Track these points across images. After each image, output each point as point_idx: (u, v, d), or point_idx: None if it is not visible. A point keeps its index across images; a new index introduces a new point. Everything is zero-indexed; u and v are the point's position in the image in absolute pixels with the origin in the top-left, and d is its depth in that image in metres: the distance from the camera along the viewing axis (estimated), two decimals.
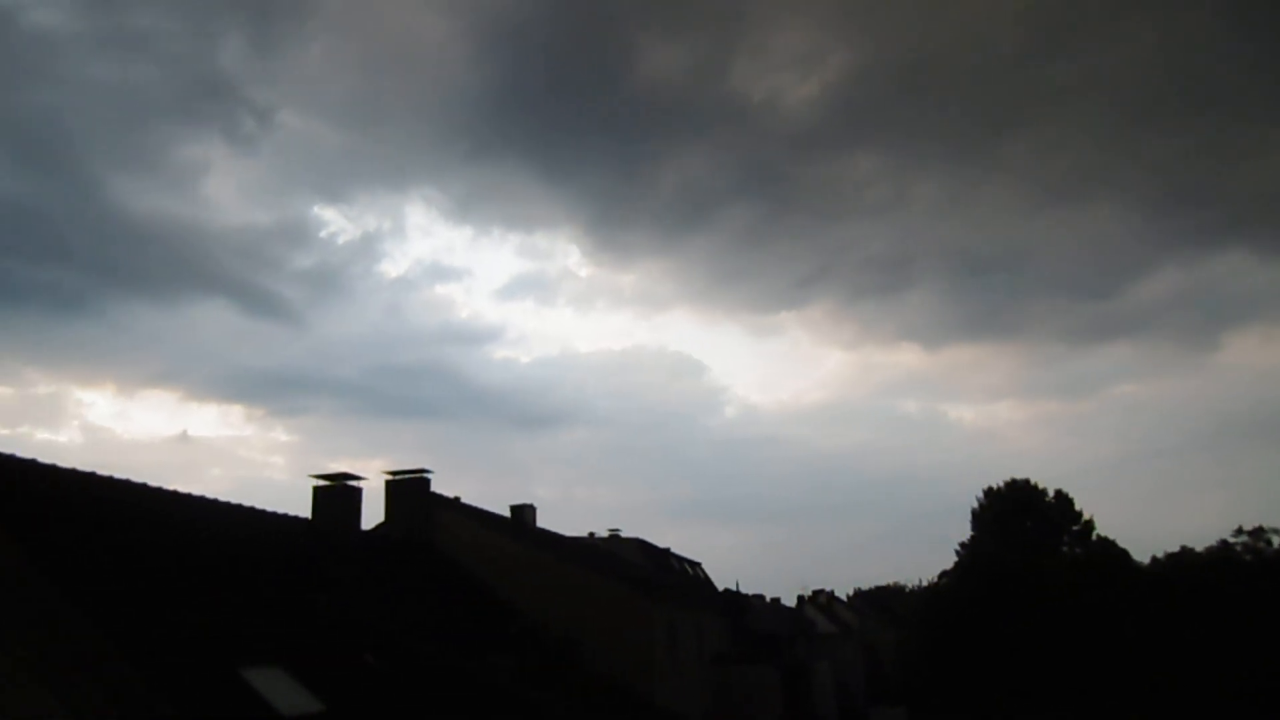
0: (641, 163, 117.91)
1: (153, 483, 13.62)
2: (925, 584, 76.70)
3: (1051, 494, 57.98)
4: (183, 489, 14.39)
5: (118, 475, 12.94)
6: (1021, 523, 57.03)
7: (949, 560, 66.97)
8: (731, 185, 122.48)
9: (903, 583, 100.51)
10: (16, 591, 4.78)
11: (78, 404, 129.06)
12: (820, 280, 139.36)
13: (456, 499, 23.42)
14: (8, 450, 10.96)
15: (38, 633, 4.88)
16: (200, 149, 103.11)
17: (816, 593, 69.61)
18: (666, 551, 42.12)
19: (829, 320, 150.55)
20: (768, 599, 60.38)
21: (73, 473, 11.94)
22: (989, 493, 59.63)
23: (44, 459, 11.49)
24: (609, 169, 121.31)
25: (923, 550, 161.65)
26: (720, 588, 46.73)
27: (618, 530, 39.49)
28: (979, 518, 59.61)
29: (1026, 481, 58.70)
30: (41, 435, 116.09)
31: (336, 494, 19.53)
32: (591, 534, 38.94)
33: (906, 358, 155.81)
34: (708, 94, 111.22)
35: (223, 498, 15.40)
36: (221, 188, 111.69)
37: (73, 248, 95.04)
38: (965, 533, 60.33)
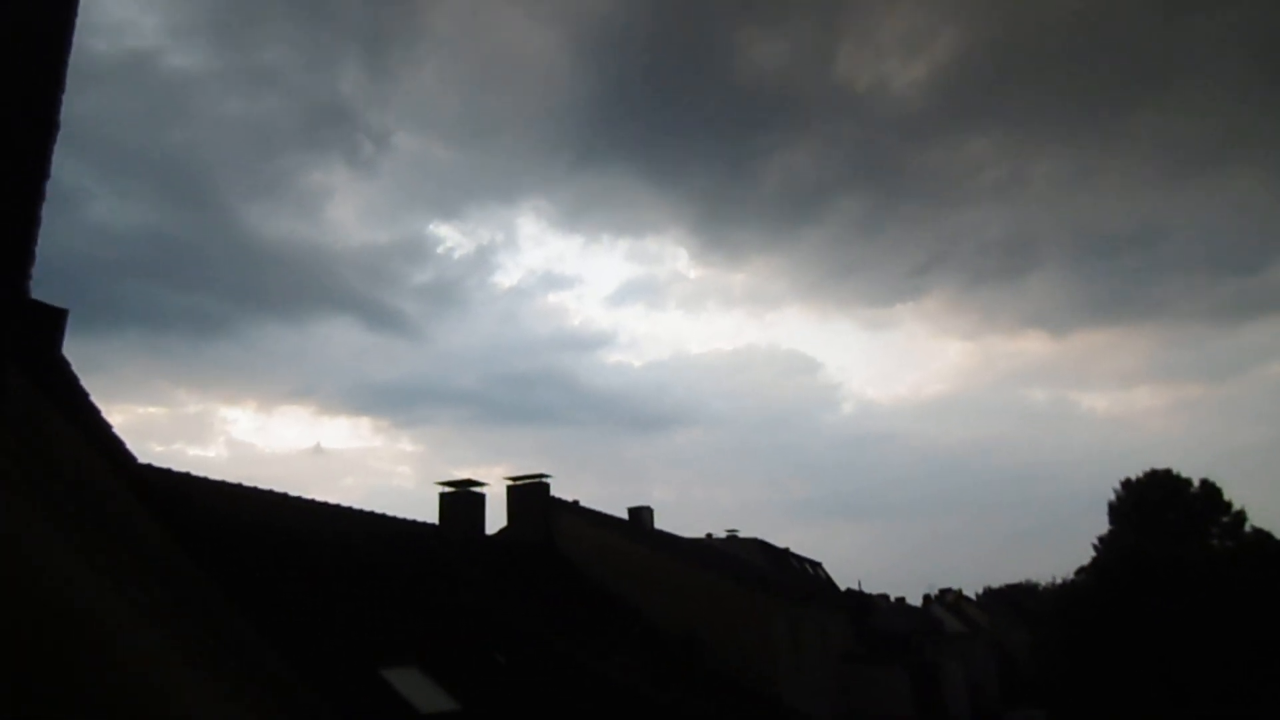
0: (747, 160, 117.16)
1: (292, 493, 14.44)
2: (1060, 581, 73.22)
3: (1196, 484, 54.40)
4: (319, 498, 15.19)
5: (261, 486, 13.79)
6: (1164, 515, 53.70)
7: (1084, 557, 63.66)
8: (840, 176, 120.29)
9: (1035, 580, 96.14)
10: (186, 599, 5.17)
11: (223, 421, 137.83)
12: (936, 269, 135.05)
13: (575, 502, 23.83)
14: (163, 465, 11.84)
15: (205, 637, 5.26)
16: (323, 174, 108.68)
17: (943, 591, 67.47)
18: (785, 551, 41.67)
19: (947, 310, 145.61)
20: (892, 599, 58.94)
21: (222, 484, 12.77)
22: (1127, 484, 56.45)
23: (195, 473, 12.37)
24: (715, 168, 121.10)
25: (1055, 546, 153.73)
26: (842, 588, 45.90)
27: (735, 531, 39.33)
28: (1117, 511, 56.47)
29: (1168, 471, 55.25)
30: (193, 451, 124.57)
31: (461, 500, 20.19)
32: (709, 535, 38.91)
33: (1031, 345, 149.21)
34: (812, 85, 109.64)
35: (356, 506, 16.17)
36: (344, 210, 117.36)
37: (212, 274, 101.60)
38: (1102, 527, 57.27)
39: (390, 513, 17.15)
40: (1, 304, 1.36)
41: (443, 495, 20.30)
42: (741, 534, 39.13)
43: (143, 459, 7.66)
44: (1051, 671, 52.84)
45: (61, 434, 4.82)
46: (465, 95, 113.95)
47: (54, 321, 6.77)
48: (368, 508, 16.55)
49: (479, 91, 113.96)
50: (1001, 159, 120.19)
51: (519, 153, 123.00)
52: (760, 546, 38.56)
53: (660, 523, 29.12)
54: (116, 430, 5.56)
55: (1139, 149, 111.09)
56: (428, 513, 20.08)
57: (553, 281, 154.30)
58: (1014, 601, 79.96)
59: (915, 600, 61.91)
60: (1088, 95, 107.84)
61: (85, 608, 4.85)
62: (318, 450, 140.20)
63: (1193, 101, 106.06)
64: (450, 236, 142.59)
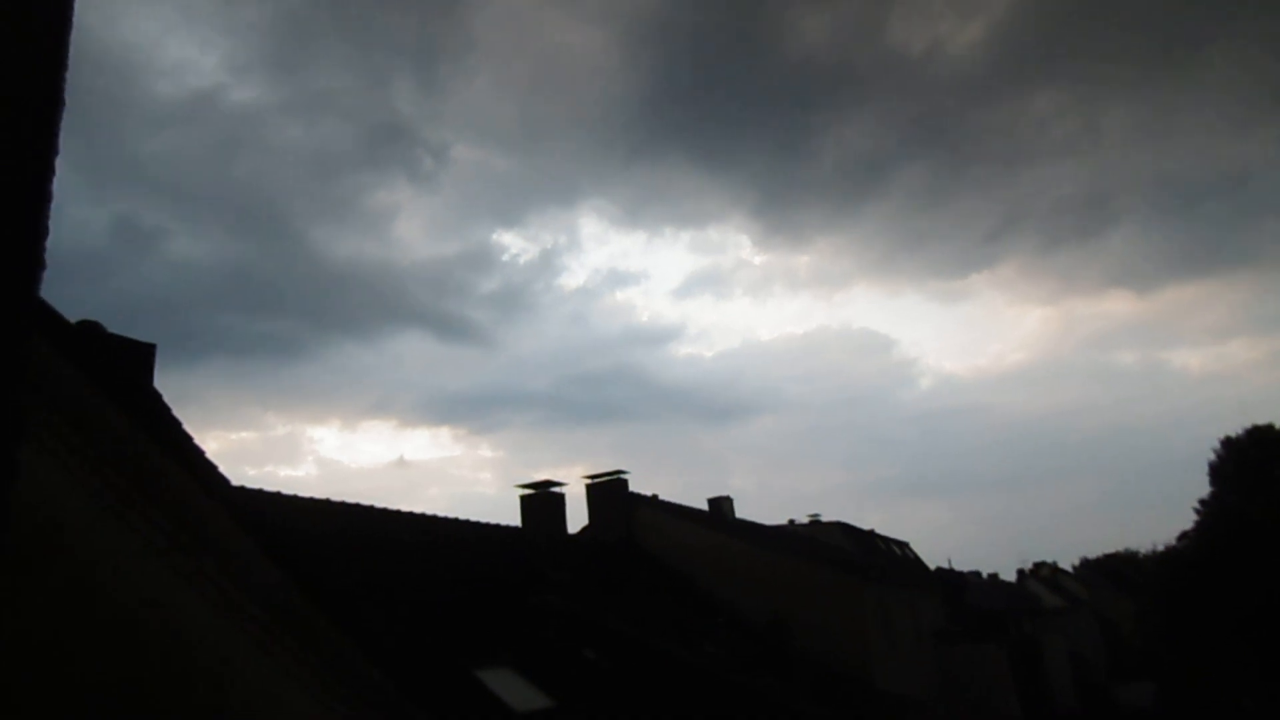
0: (803, 138, 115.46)
1: (378, 505, 14.87)
2: (1162, 548, 70.61)
3: None
4: (405, 509, 15.62)
5: (349, 500, 14.25)
6: (1270, 472, 51.28)
7: (1186, 521, 61.24)
8: (900, 146, 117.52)
9: (1134, 548, 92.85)
10: (284, 614, 5.39)
11: (310, 440, 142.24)
12: (1009, 234, 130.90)
13: (654, 496, 23.94)
14: (256, 486, 12.34)
15: (304, 651, 5.48)
16: (387, 192, 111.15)
17: (1038, 565, 65.65)
18: (871, 533, 41.10)
19: (1023, 276, 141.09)
20: (984, 575, 57.63)
21: (312, 501, 13.23)
22: (1227, 443, 54.00)
23: (287, 491, 12.86)
24: (770, 150, 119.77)
25: (1154, 513, 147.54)
26: (931, 567, 45.07)
27: (818, 515, 38.93)
28: (1218, 471, 54.06)
29: (1270, 426, 52.72)
30: (284, 472, 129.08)
31: (541, 501, 20.49)
32: (791, 521, 38.63)
33: (1116, 306, 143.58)
34: (864, 55, 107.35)
35: (441, 514, 16.56)
36: (409, 225, 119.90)
37: (288, 299, 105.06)
38: (1203, 489, 54.98)
39: (474, 518, 17.53)
40: (12, 310, 1.41)
41: (523, 498, 20.63)
42: (824, 518, 38.75)
43: (237, 482, 7.99)
44: (1158, 643, 51.02)
45: (162, 466, 5.08)
46: (518, 102, 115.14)
47: (144, 356, 7.12)
48: (453, 515, 16.94)
49: (531, 96, 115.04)
50: (1070, 112, 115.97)
51: (575, 154, 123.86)
52: (844, 530, 38.11)
53: (740, 512, 29.08)
54: (210, 456, 5.82)
55: (1216, 89, 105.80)
56: (510, 516, 20.45)
57: (618, 279, 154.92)
58: (1114, 571, 77.31)
59: (1009, 576, 60.48)
60: (1158, 35, 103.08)
61: (192, 633, 5.09)
62: (401, 462, 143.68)
63: (1272, 33, 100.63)
64: (514, 243, 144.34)
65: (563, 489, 20.92)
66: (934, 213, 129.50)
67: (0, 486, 1.34)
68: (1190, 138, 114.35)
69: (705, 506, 27.64)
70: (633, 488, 22.84)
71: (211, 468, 5.82)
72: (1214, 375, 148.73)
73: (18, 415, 1.41)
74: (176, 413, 6.06)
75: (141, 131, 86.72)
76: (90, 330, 6.28)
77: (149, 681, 4.75)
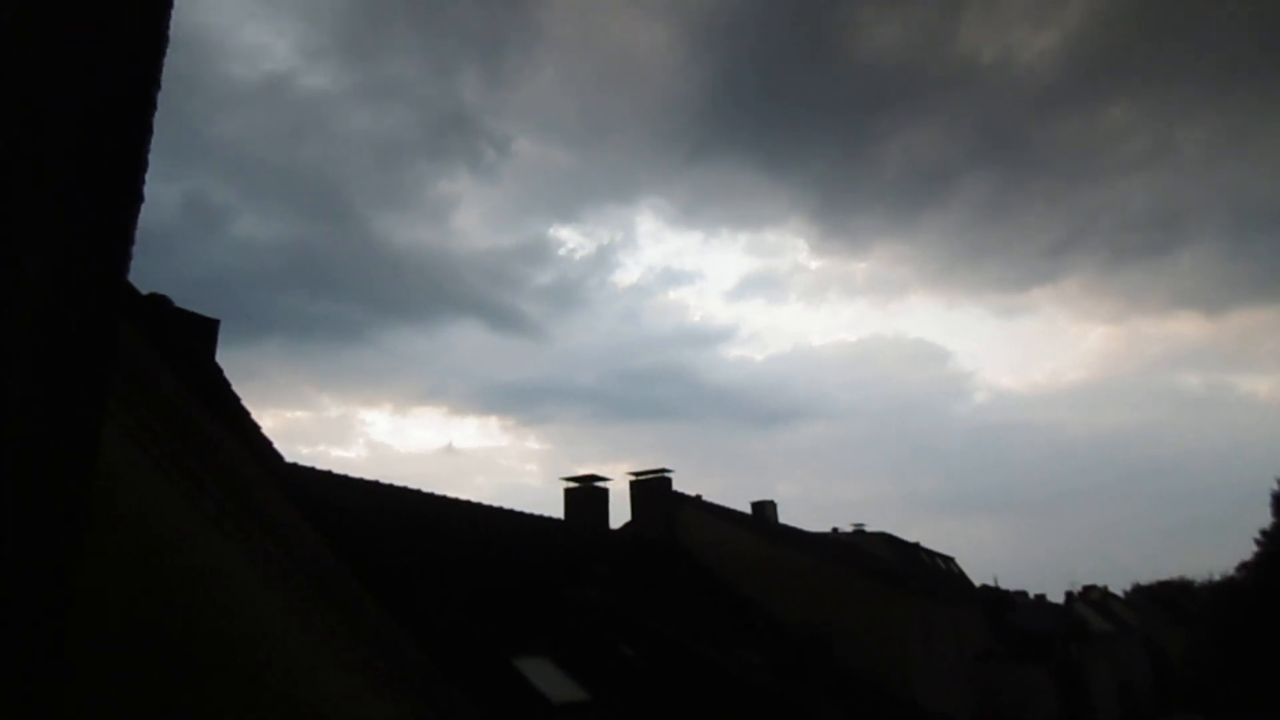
0: (866, 144, 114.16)
1: (426, 489, 15.05)
2: (1219, 578, 68.32)
3: None
4: (451, 495, 15.78)
5: (398, 484, 14.45)
6: None
7: (1245, 551, 59.14)
8: (965, 155, 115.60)
9: (1190, 577, 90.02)
10: (333, 593, 5.47)
11: (362, 423, 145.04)
12: (1074, 248, 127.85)
13: (698, 497, 23.87)
14: (309, 464, 12.57)
15: (348, 628, 5.56)
16: (449, 182, 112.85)
17: (1088, 589, 63.94)
18: (915, 546, 40.44)
19: (1087, 293, 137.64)
20: (1031, 595, 56.35)
21: (362, 482, 13.44)
22: None
23: (338, 471, 13.08)
24: (832, 154, 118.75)
25: (1212, 541, 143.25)
26: (976, 584, 44.21)
27: (862, 525, 38.42)
28: None
29: None
30: (336, 452, 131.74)
31: (586, 495, 20.57)
32: (835, 529, 38.20)
33: (1183, 327, 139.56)
34: (933, 61, 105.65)
35: (486, 502, 16.70)
36: (468, 216, 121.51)
37: (348, 282, 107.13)
38: (1264, 520, 53.08)
39: (519, 509, 17.66)
40: (105, 288, 1.43)
41: (568, 491, 20.74)
42: (869, 528, 38.24)
43: (290, 460, 8.15)
44: (1210, 674, 49.41)
45: (219, 438, 5.19)
46: (581, 97, 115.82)
47: (208, 331, 7.31)
48: (498, 503, 17.09)
49: (594, 92, 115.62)
50: (1144, 126, 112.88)
51: (635, 151, 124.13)
52: (888, 541, 37.55)
53: (784, 517, 28.85)
54: (266, 433, 5.94)
55: None
56: (554, 508, 20.57)
57: (672, 278, 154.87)
58: (1167, 600, 75.02)
59: (1056, 598, 59.00)
60: (1238, 51, 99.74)
61: (238, 600, 5.20)
62: (449, 449, 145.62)
63: None
64: (570, 238, 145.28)
65: (607, 484, 21.00)
66: (997, 224, 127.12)
67: (85, 461, 1.38)
68: (1266, 158, 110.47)
69: (749, 510, 27.48)
70: (676, 487, 22.81)
71: (266, 443, 5.93)
72: None
73: (102, 391, 1.44)
74: (236, 388, 6.21)
75: (215, 112, 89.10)
76: (158, 303, 6.46)
77: (194, 641, 4.86)
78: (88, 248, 1.42)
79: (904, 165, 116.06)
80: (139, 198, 1.54)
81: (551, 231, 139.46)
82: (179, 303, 6.85)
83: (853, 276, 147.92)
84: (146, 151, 1.57)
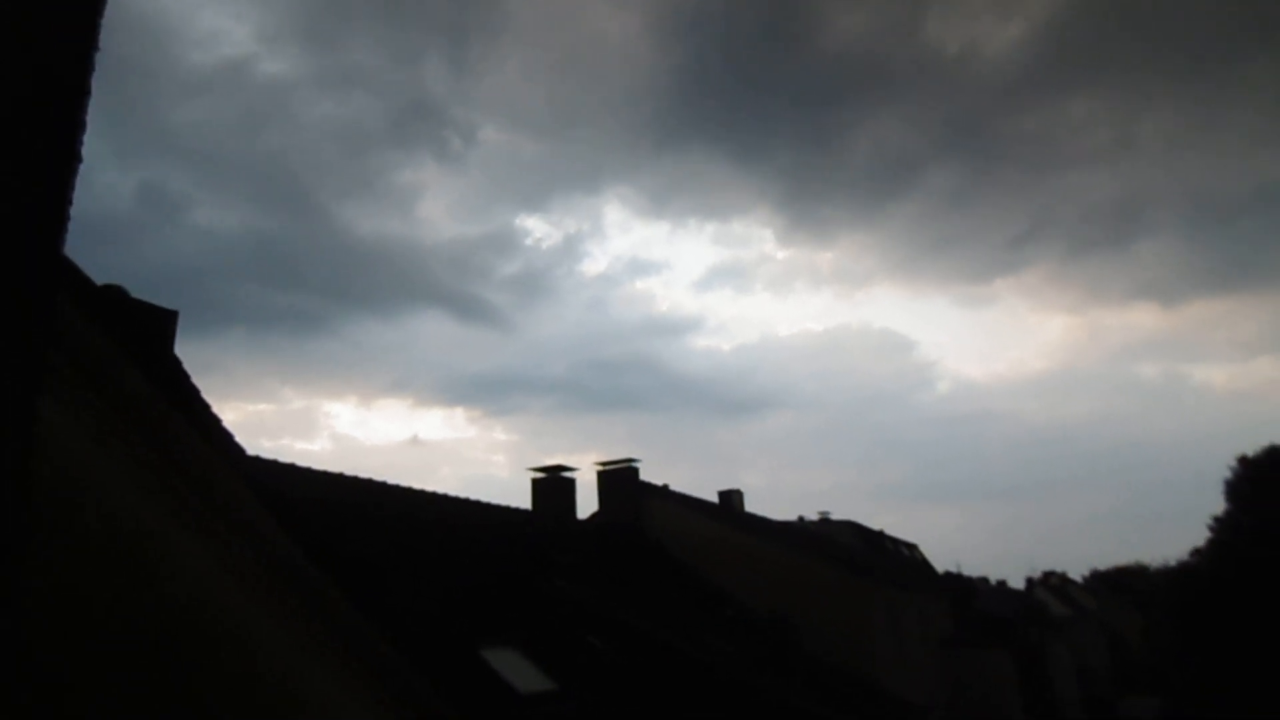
0: (833, 134, 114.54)
1: (391, 482, 14.91)
2: (1174, 563, 69.97)
3: None
4: (418, 487, 15.65)
5: (363, 476, 14.30)
6: None
7: (1199, 537, 60.65)
8: (931, 146, 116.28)
9: (1146, 562, 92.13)
10: (298, 586, 5.40)
11: (326, 415, 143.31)
12: (1036, 240, 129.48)
13: (665, 487, 23.93)
14: (272, 458, 12.40)
15: (316, 622, 5.49)
16: (413, 171, 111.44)
17: (1047, 574, 65.28)
18: (880, 534, 40.97)
19: (1048, 283, 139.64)
20: (992, 581, 57.35)
21: (326, 474, 13.29)
22: (1244, 461, 53.40)
23: (302, 464, 12.92)
24: (799, 145, 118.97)
25: (1167, 528, 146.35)
26: (940, 571, 44.89)
27: (828, 513, 38.85)
28: (1235, 489, 53.55)
29: None
30: (299, 445, 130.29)
31: (553, 486, 20.53)
32: (801, 517, 38.56)
33: (1141, 318, 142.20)
34: (899, 52, 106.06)
35: (453, 494, 16.61)
36: (433, 206, 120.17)
37: (311, 273, 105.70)
38: (1217, 506, 54.49)
39: (486, 500, 17.57)
40: (42, 251, 1.38)
41: (535, 481, 20.67)
42: (834, 516, 38.66)
43: (252, 453, 8.01)
44: (1166, 657, 50.69)
45: (177, 430, 5.09)
46: (548, 86, 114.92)
47: (166, 323, 7.15)
48: (464, 495, 16.98)
49: (561, 81, 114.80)
50: (1106, 119, 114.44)
51: (602, 141, 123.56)
52: (854, 529, 38.01)
53: (751, 506, 29.01)
54: (228, 426, 5.84)
55: (1256, 102, 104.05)
56: (522, 499, 20.50)
57: (640, 268, 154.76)
58: (1124, 584, 76.81)
59: (1017, 584, 60.12)
60: (1200, 44, 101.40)
61: (210, 601, 5.11)
62: (415, 441, 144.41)
63: None
64: (537, 227, 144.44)
65: (574, 474, 20.95)
66: (961, 215, 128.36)
67: (22, 432, 1.33)
68: (1226, 151, 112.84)
69: (716, 499, 27.61)
70: (644, 477, 22.84)
71: (227, 436, 5.83)
72: (1238, 392, 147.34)
73: (39, 365, 1.39)
74: (195, 381, 6.09)
75: (171, 100, 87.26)
76: (114, 294, 6.30)
77: (161, 639, 4.77)
78: (20, 211, 1.36)
79: (870, 156, 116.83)
80: (76, 157, 1.48)
81: (518, 221, 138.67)
82: (136, 294, 6.69)
83: (819, 267, 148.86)
84: (84, 113, 1.51)
